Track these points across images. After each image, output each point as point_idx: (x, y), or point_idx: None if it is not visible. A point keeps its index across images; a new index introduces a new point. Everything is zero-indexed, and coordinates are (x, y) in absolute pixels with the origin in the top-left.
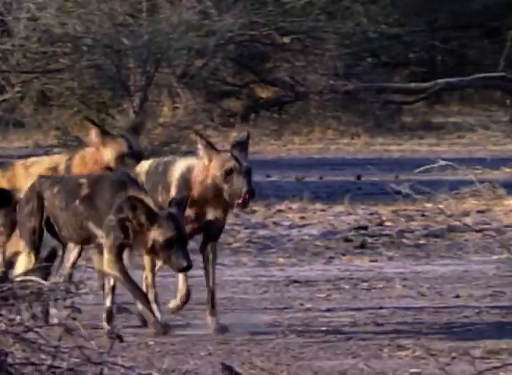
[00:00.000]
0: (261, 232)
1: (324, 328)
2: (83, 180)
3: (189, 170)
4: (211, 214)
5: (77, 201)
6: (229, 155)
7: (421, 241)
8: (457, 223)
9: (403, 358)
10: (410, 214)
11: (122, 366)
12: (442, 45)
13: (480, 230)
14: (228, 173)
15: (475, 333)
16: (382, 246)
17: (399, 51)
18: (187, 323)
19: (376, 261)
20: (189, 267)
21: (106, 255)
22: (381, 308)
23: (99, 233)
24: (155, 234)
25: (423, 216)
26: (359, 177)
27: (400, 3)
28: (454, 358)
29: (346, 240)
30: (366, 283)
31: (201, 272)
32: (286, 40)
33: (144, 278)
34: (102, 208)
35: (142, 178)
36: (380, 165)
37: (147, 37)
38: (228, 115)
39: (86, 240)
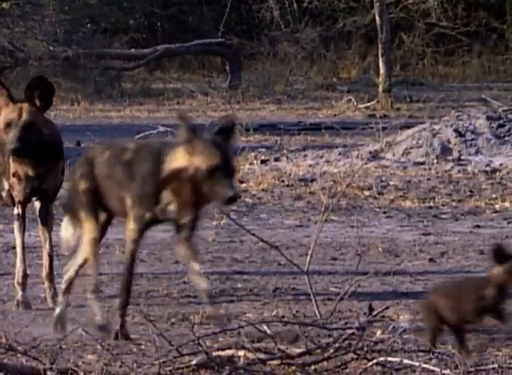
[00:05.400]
0: None
1: (42, 295)
2: (132, 145)
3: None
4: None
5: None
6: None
7: None
8: None
9: None
10: None
11: None
12: (162, 12)
13: None
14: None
15: (194, 299)
16: None
17: (118, 17)
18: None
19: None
20: (235, 198)
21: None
22: (100, 274)
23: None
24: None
25: None
26: (79, 143)
27: None
28: (173, 323)
29: None
30: None
31: None
32: (5, 5)
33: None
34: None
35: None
36: (100, 131)
37: None
38: None
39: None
